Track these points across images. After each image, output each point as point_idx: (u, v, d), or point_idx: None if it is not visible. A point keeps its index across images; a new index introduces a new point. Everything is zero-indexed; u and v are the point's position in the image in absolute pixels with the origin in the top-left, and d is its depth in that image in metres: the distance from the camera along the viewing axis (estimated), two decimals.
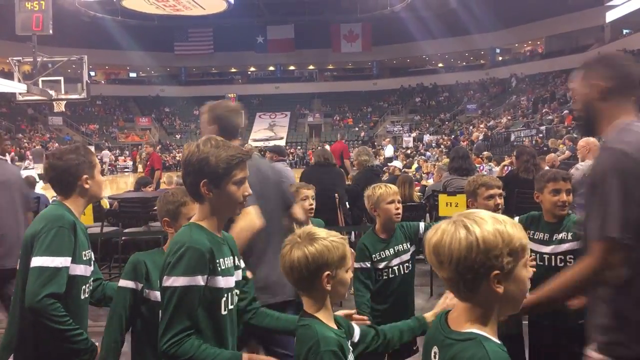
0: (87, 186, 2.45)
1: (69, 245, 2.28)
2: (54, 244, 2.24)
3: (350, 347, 1.86)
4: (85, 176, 2.44)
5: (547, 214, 3.07)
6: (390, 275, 3.17)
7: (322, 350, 1.68)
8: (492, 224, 1.34)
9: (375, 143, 31.86)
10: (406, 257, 3.21)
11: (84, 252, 2.38)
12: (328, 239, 1.79)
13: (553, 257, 2.96)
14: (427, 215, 7.70)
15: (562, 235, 2.97)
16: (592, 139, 7.52)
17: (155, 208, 2.86)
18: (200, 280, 1.84)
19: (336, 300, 1.88)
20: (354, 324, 1.99)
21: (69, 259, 2.27)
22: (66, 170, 2.42)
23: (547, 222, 3.04)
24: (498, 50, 45.84)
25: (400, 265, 3.19)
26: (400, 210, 3.20)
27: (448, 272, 1.36)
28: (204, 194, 1.94)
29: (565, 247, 2.94)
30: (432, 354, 1.44)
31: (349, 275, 1.82)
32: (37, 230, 2.30)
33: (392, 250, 3.18)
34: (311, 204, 3.61)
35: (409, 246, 3.22)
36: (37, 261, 2.22)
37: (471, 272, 1.33)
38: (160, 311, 1.87)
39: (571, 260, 2.88)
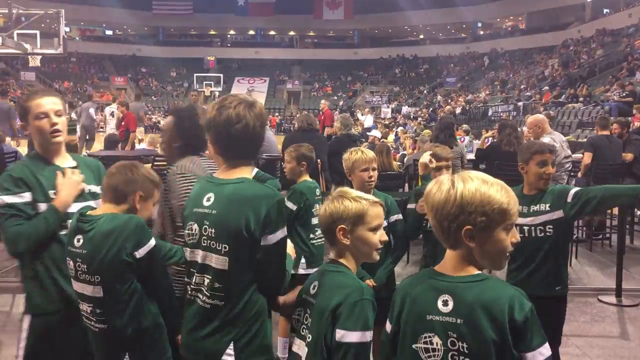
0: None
1: None
2: None
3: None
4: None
5: (528, 185, 3.08)
6: None
7: (364, 299, 1.74)
8: (477, 184, 1.50)
9: (355, 112, 31.81)
10: None
11: None
12: (351, 197, 1.89)
13: (532, 228, 2.98)
14: (406, 184, 7.80)
15: (538, 206, 2.99)
16: (541, 116, 7.53)
17: None
18: None
19: (363, 260, 1.94)
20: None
21: None
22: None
23: (525, 195, 3.02)
24: (480, 25, 45.79)
25: None
26: (373, 179, 3.18)
27: (431, 218, 1.58)
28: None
29: (544, 218, 2.97)
30: (442, 302, 1.54)
31: (372, 235, 1.88)
32: None
33: None
34: None
35: None
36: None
37: (446, 222, 1.51)
38: None
39: (550, 230, 2.95)
